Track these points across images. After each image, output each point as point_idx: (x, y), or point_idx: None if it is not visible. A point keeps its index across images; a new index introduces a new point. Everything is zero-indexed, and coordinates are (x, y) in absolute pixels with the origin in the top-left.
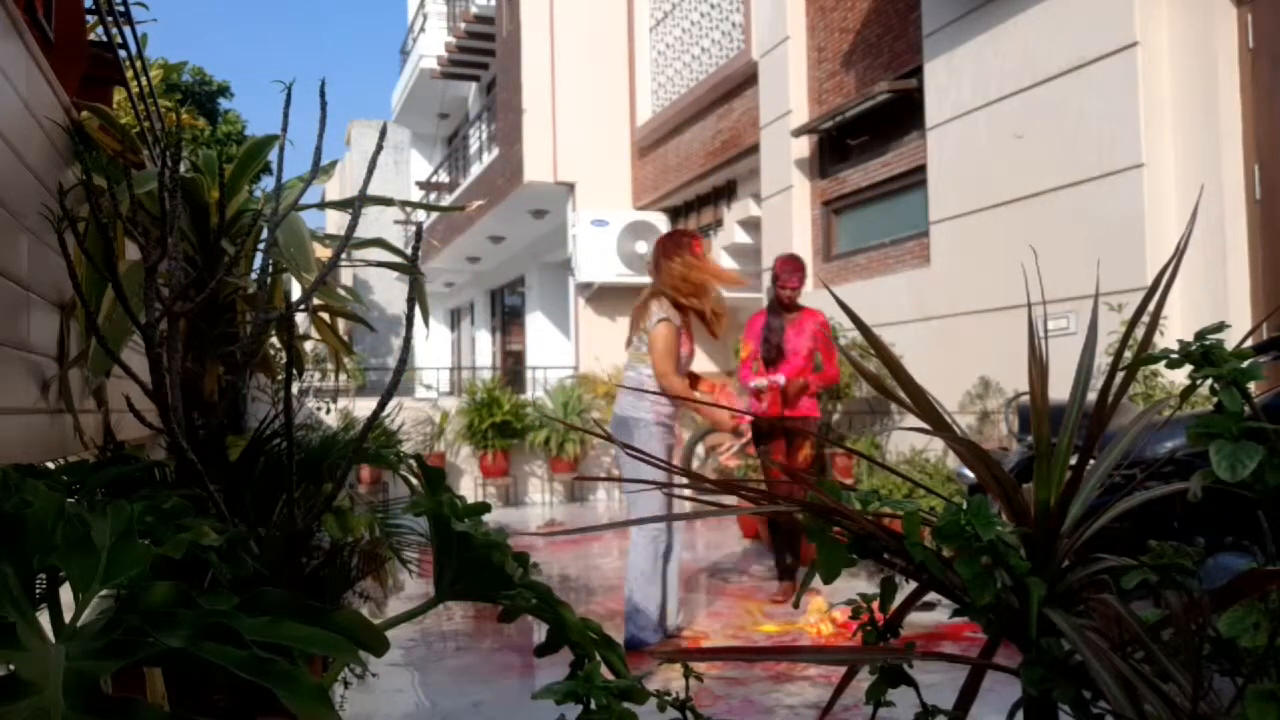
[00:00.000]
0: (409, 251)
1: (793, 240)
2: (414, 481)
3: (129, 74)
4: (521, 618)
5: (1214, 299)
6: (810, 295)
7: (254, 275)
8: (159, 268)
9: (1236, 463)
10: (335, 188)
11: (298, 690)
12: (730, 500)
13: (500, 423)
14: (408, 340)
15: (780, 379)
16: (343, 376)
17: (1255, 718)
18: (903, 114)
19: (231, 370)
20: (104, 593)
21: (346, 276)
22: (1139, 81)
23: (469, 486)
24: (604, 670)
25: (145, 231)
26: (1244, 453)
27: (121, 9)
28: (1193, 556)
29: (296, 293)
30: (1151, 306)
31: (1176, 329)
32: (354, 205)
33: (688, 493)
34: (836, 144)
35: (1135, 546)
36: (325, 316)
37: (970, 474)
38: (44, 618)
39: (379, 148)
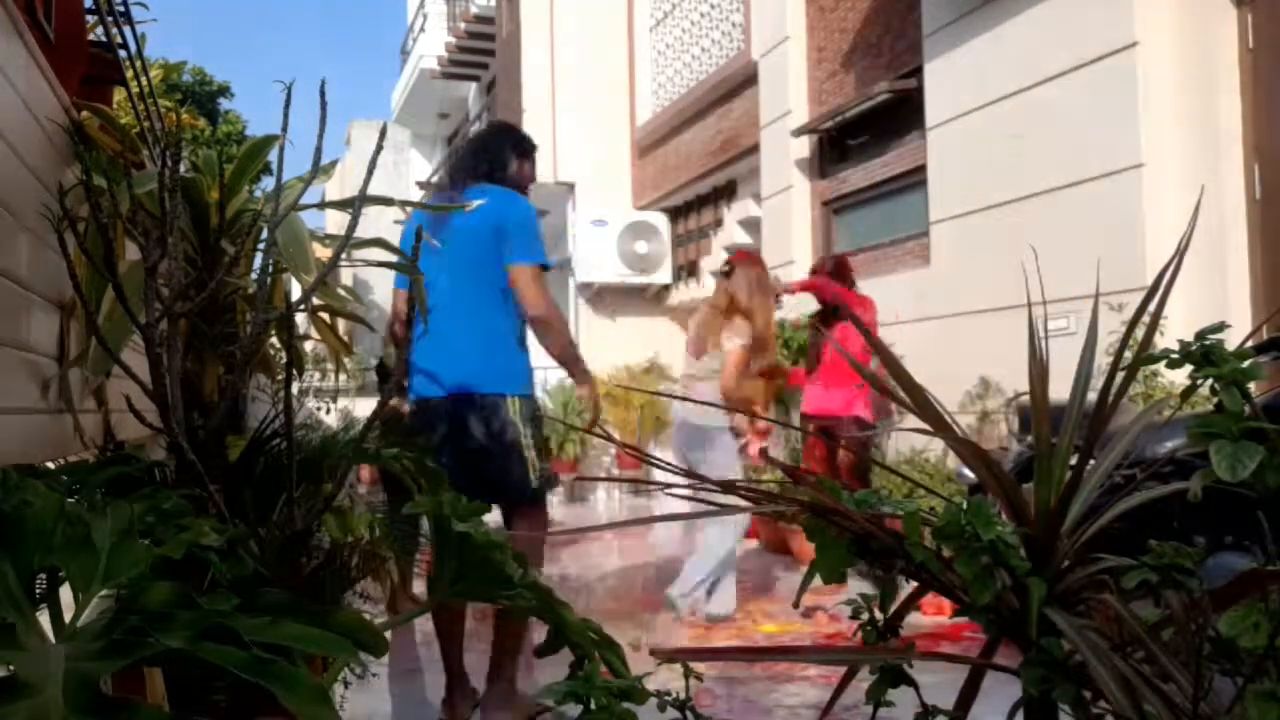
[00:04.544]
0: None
1: (792, 240)
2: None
3: (129, 74)
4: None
5: (1214, 299)
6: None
7: (254, 275)
8: (159, 268)
9: (1236, 463)
10: (335, 188)
11: (298, 690)
12: (730, 500)
13: None
14: (408, 340)
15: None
16: (343, 376)
17: (1255, 718)
18: (903, 114)
19: (231, 370)
20: (104, 593)
21: (346, 276)
22: (1139, 81)
23: None
24: (604, 670)
25: (145, 231)
26: (1244, 453)
27: (121, 9)
28: (1193, 556)
29: (297, 293)
30: (1152, 306)
31: (1176, 329)
32: (354, 205)
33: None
34: (836, 144)
35: (1135, 546)
36: (325, 316)
37: (970, 474)
38: (44, 618)
39: (379, 148)
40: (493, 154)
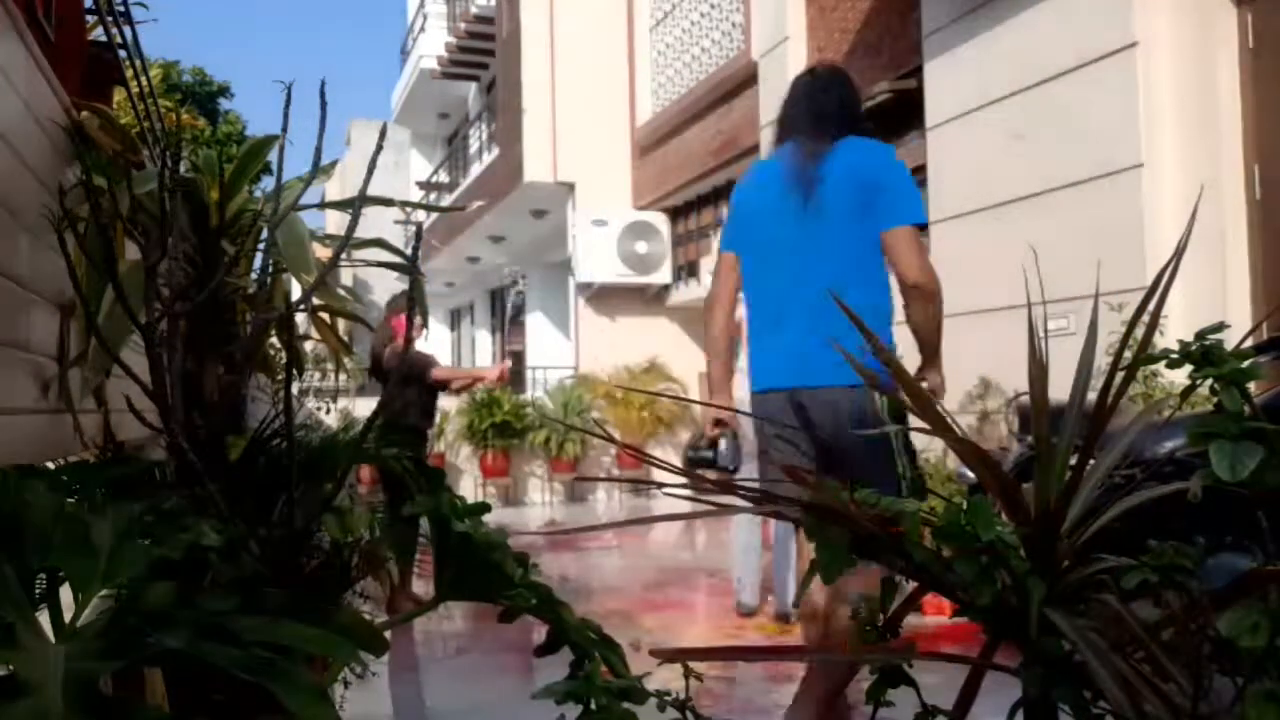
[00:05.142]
0: (409, 251)
1: None
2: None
3: (129, 74)
4: (521, 618)
5: (1214, 299)
6: None
7: (254, 275)
8: (159, 268)
9: (1236, 463)
10: (335, 188)
11: (297, 690)
12: (730, 500)
13: (500, 423)
14: (408, 340)
15: None
16: (343, 376)
17: (1255, 718)
18: (903, 114)
19: (231, 370)
20: (104, 593)
21: (346, 276)
22: (1139, 81)
23: (469, 486)
24: (604, 670)
25: (145, 231)
26: (1244, 453)
27: (121, 9)
28: (1193, 556)
29: (297, 293)
30: (1151, 306)
31: (1176, 329)
32: (354, 205)
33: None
34: None
35: (1135, 546)
36: (325, 316)
37: (970, 474)
38: (44, 618)
39: (379, 148)
40: (847, 103)
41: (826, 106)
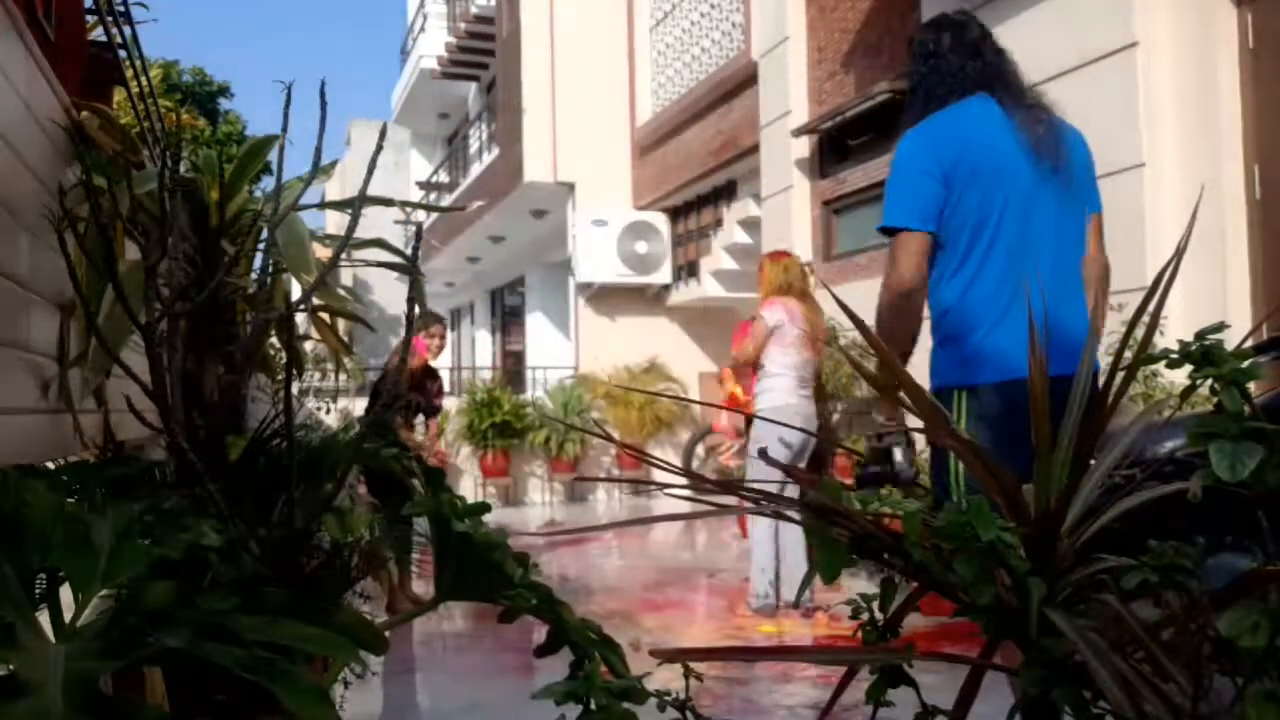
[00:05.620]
0: (409, 251)
1: (793, 240)
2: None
3: (129, 74)
4: (521, 618)
5: (1214, 299)
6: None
7: (254, 275)
8: (159, 268)
9: (1236, 463)
10: (335, 188)
11: (297, 690)
12: (730, 500)
13: (500, 423)
14: (408, 340)
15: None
16: (343, 376)
17: (1255, 718)
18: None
19: (231, 370)
20: (104, 593)
21: (346, 276)
22: (1139, 81)
23: (469, 486)
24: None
25: (145, 231)
26: (1244, 453)
27: (121, 9)
28: (1193, 556)
29: (297, 293)
30: (1151, 306)
31: (1176, 329)
32: (354, 205)
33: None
34: (836, 144)
35: (1135, 546)
36: (325, 316)
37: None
38: (44, 618)
39: (379, 148)
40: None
41: (1021, 76)
